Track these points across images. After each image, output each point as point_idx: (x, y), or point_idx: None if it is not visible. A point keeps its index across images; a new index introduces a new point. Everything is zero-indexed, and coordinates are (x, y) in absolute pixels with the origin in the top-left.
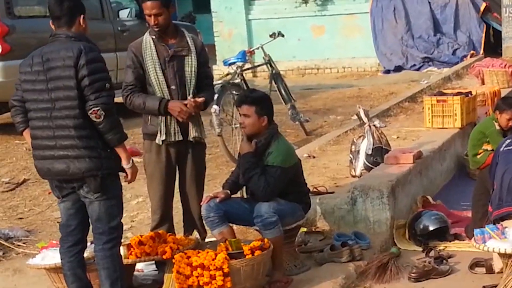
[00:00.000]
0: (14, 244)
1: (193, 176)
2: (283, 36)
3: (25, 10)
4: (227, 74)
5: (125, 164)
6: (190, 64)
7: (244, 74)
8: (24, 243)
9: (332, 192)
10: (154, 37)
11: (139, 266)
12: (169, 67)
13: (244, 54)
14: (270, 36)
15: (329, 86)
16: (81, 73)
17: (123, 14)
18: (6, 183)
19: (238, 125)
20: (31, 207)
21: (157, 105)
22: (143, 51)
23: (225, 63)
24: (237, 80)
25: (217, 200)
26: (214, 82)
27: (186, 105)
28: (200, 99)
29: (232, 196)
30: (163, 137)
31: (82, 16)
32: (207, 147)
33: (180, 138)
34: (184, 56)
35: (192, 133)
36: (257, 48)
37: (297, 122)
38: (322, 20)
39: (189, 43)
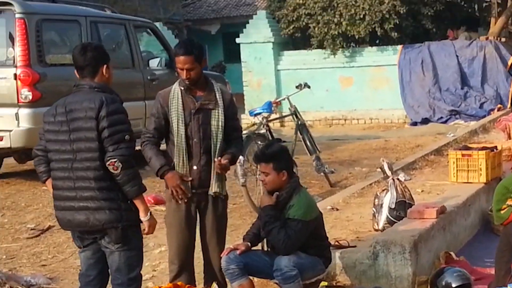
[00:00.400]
0: None
1: (213, 228)
2: (309, 87)
3: (56, 58)
4: (253, 125)
5: (142, 216)
6: (217, 118)
7: (270, 124)
8: None
9: (354, 246)
10: (182, 88)
11: None
12: (193, 120)
13: (270, 104)
14: (297, 87)
15: (355, 137)
16: (102, 125)
17: (153, 63)
18: (31, 229)
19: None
20: (55, 254)
21: (157, 168)
22: (169, 101)
23: (251, 113)
24: (263, 131)
25: (238, 252)
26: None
27: (185, 181)
28: (224, 161)
29: (253, 248)
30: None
31: (105, 66)
32: (231, 197)
33: (190, 193)
34: (211, 109)
35: (214, 188)
36: (283, 99)
37: (321, 174)
38: (350, 71)
39: (217, 96)
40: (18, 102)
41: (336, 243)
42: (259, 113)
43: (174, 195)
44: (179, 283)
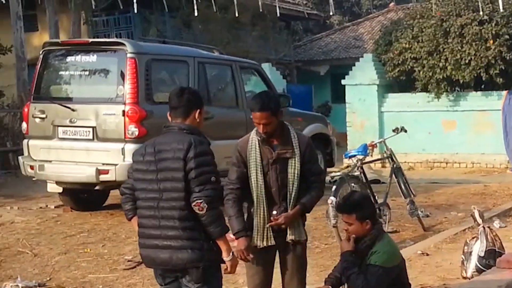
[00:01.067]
0: None
1: (293, 270)
2: (405, 131)
3: (163, 97)
4: (347, 166)
5: (225, 256)
6: (293, 166)
7: (371, 165)
8: None
9: None
10: (259, 138)
11: None
12: (271, 170)
13: (365, 147)
14: (393, 130)
15: (455, 181)
16: (189, 166)
17: None
18: (128, 260)
19: None
20: (148, 286)
21: (234, 230)
22: (248, 152)
23: (346, 155)
24: (356, 173)
25: None
26: (334, 174)
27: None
28: (280, 220)
29: None
30: (257, 243)
31: (198, 110)
32: (323, 237)
33: (273, 243)
34: (288, 158)
35: (290, 235)
36: (380, 142)
37: (415, 218)
38: (453, 115)
39: (294, 144)
40: (124, 137)
41: None
42: (354, 155)
43: (237, 257)
44: None
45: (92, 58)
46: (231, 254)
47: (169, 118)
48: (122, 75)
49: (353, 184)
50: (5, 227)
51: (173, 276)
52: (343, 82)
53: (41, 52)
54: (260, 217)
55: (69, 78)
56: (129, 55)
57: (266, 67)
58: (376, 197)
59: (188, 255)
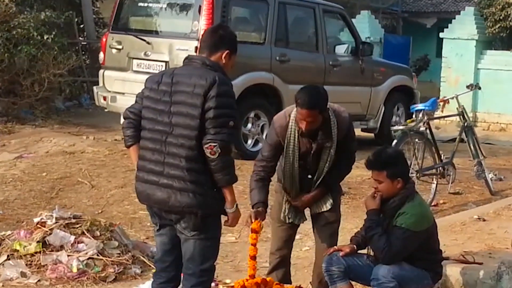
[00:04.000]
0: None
1: (324, 226)
2: (479, 88)
3: (239, 36)
4: (412, 121)
5: (228, 207)
6: (328, 153)
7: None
8: None
9: (480, 263)
10: (298, 130)
11: None
12: (310, 157)
13: (434, 102)
14: (467, 87)
15: None
16: (208, 104)
17: (340, 49)
18: None
19: (414, 175)
20: None
21: (253, 202)
22: (286, 138)
23: (412, 109)
24: (422, 128)
25: (341, 253)
26: (397, 128)
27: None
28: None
29: (359, 251)
30: (286, 219)
31: (227, 51)
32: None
33: (302, 222)
34: (326, 147)
35: (324, 207)
36: (452, 98)
37: (482, 180)
38: None
39: (333, 134)
40: None
41: (461, 257)
42: (420, 110)
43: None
44: (268, 278)
45: None
46: (235, 206)
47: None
48: (199, 11)
49: (416, 140)
50: (73, 156)
51: (168, 219)
52: (441, 35)
53: None
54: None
55: (147, 10)
56: None
57: (365, 15)
58: (442, 155)
59: (189, 199)
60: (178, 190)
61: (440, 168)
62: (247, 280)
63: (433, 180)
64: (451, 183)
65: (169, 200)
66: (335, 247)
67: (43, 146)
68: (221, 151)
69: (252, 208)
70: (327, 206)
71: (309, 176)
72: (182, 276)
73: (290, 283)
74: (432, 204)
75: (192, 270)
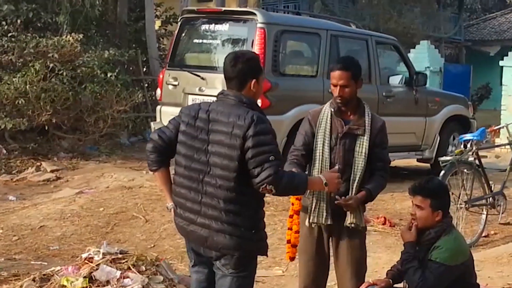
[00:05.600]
0: None
1: (348, 260)
2: None
3: (291, 69)
4: (461, 151)
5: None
6: (361, 145)
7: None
8: None
9: None
10: (333, 109)
11: None
12: (339, 144)
13: (483, 132)
14: None
15: None
16: (247, 144)
17: (394, 80)
18: None
19: (462, 206)
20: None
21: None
22: (318, 122)
23: (461, 139)
24: (470, 158)
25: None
26: (444, 158)
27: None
28: (350, 202)
29: (395, 286)
30: (312, 219)
31: (254, 80)
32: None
33: (329, 222)
34: (357, 135)
35: (349, 218)
36: (502, 127)
37: None
38: None
39: (366, 121)
40: None
41: None
42: (469, 140)
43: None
44: None
45: (224, 27)
46: (323, 182)
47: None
48: (251, 45)
49: (465, 170)
50: (130, 191)
51: (207, 256)
52: (500, 63)
53: (179, 20)
54: (320, 192)
55: (201, 46)
56: (259, 25)
57: (424, 44)
58: (492, 185)
59: (226, 241)
60: (216, 231)
61: (490, 198)
62: None
63: (483, 211)
64: (502, 213)
65: (206, 240)
66: (370, 281)
67: (104, 182)
68: (274, 186)
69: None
70: (361, 222)
71: (338, 166)
72: None
73: None
74: (483, 235)
75: None
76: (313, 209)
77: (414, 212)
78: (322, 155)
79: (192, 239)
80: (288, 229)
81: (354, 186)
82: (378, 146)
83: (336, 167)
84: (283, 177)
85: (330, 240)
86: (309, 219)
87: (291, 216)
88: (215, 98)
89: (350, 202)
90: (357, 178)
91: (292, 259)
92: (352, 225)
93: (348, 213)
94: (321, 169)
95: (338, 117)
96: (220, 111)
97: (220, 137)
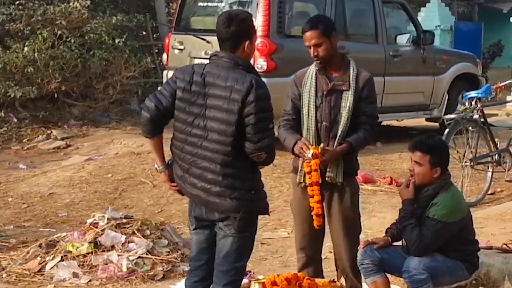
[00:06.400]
0: None
1: (341, 220)
2: None
3: (296, 30)
4: (465, 109)
5: None
6: (346, 100)
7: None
8: None
9: None
10: (317, 68)
11: None
12: (325, 102)
13: (488, 88)
14: None
15: None
16: (247, 110)
17: (402, 39)
18: None
19: (468, 164)
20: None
21: (291, 145)
22: (303, 82)
23: (465, 97)
24: (475, 116)
25: (375, 246)
26: (449, 116)
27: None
28: (325, 157)
29: (394, 243)
30: (299, 179)
31: (248, 41)
32: None
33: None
34: (343, 91)
35: (327, 172)
36: (507, 84)
37: None
38: None
39: (351, 76)
40: None
41: (504, 246)
42: (473, 97)
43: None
44: (299, 274)
45: None
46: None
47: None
48: (256, 7)
49: (470, 128)
50: (138, 157)
51: (209, 219)
52: (511, 19)
53: None
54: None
55: (206, 9)
56: None
57: (434, 3)
58: (498, 143)
59: (226, 203)
60: (216, 195)
61: (496, 156)
62: (277, 275)
63: (488, 169)
64: (508, 170)
65: (208, 204)
66: (369, 239)
67: (113, 148)
68: (267, 155)
69: (293, 149)
70: (340, 179)
71: (325, 123)
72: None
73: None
74: (489, 192)
75: (226, 267)
76: (301, 168)
77: (412, 168)
78: (308, 114)
79: (197, 202)
80: (310, 197)
81: (335, 140)
82: (364, 100)
83: (321, 145)
84: (274, 154)
85: (324, 200)
86: (298, 179)
87: (310, 185)
88: None
89: (324, 156)
90: (338, 132)
91: (318, 227)
92: (328, 179)
93: (328, 167)
94: (307, 128)
95: (323, 75)
96: (216, 74)
97: (218, 101)
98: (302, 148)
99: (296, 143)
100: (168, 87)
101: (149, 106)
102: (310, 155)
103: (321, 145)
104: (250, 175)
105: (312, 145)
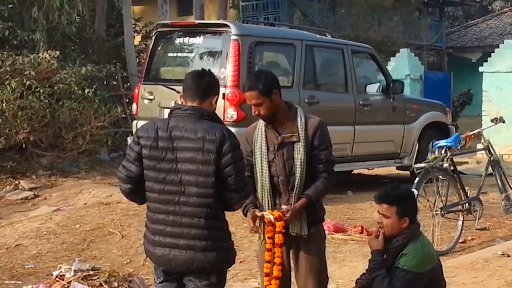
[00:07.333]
0: None
1: (307, 271)
2: (503, 122)
3: None
4: (435, 158)
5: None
6: (298, 151)
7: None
8: None
9: None
10: (265, 123)
11: None
12: (278, 156)
13: (457, 137)
14: (492, 121)
15: None
16: (225, 161)
17: (371, 89)
18: None
19: (438, 212)
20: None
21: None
22: (254, 138)
23: (435, 145)
24: (445, 165)
25: None
26: (419, 165)
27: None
28: (287, 212)
29: None
30: (260, 236)
31: (216, 96)
32: None
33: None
34: (294, 142)
35: (291, 228)
36: (476, 133)
37: (510, 215)
38: None
39: (300, 127)
40: (223, 120)
41: None
42: (443, 146)
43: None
44: None
45: (199, 40)
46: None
47: (180, 101)
48: (225, 57)
49: (440, 177)
50: (107, 207)
51: (179, 273)
52: (480, 69)
53: (153, 34)
54: (265, 208)
55: (176, 59)
56: (232, 37)
57: (404, 52)
58: (468, 191)
59: (214, 257)
60: (202, 250)
61: (466, 204)
62: None
63: (459, 217)
64: (478, 219)
65: (192, 262)
66: None
67: (82, 198)
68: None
69: (245, 213)
70: (305, 231)
71: (281, 178)
72: None
73: None
74: (460, 241)
75: None
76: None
77: (380, 220)
78: (261, 170)
79: (176, 265)
80: (266, 262)
81: (293, 195)
82: (317, 148)
83: (283, 207)
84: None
85: (290, 252)
86: (259, 237)
87: (269, 250)
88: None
89: (286, 217)
90: (295, 186)
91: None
92: (294, 233)
93: (292, 222)
94: (261, 184)
95: (271, 129)
96: (183, 127)
97: (190, 154)
98: (255, 220)
99: (248, 207)
100: (131, 152)
101: (121, 179)
102: (273, 218)
103: (283, 207)
104: (226, 225)
105: (269, 208)
